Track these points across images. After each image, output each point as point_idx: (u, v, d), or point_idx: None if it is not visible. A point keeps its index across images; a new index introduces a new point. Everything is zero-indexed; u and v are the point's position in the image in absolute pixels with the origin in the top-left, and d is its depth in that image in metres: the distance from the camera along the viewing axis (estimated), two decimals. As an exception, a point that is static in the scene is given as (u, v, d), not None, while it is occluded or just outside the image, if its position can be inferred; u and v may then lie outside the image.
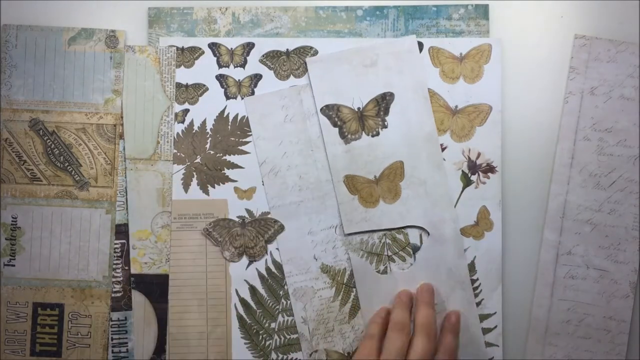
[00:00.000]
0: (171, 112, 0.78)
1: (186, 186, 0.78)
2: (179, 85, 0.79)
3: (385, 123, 0.77)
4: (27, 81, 0.78)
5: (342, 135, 0.77)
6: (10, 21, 0.79)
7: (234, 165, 0.78)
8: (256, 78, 0.79)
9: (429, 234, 0.75)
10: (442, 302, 0.75)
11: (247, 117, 0.78)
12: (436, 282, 0.75)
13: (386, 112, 0.78)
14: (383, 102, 0.78)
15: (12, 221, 0.77)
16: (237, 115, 0.79)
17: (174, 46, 0.79)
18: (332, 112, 0.78)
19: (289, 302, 0.77)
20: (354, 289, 0.77)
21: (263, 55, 0.79)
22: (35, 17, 0.79)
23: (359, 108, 0.78)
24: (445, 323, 0.74)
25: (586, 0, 0.79)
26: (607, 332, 0.76)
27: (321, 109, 0.78)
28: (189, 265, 0.78)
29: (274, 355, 0.77)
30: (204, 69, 0.79)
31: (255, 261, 0.78)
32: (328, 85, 0.77)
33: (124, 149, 0.78)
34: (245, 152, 0.78)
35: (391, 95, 0.77)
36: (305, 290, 0.77)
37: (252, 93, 0.79)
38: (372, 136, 0.77)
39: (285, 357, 0.77)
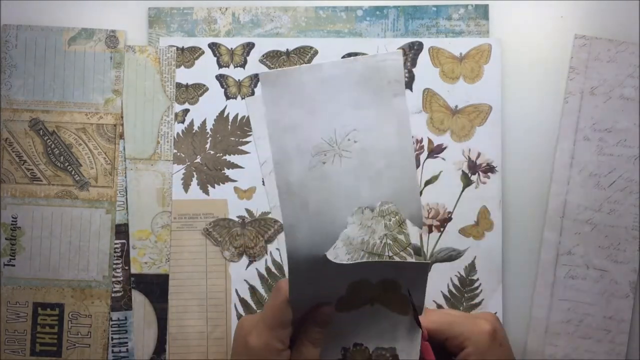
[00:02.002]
0: (171, 112, 0.78)
1: (186, 186, 0.78)
2: (179, 85, 0.79)
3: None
4: (27, 81, 0.78)
5: None
6: (10, 21, 0.79)
7: (234, 165, 0.78)
8: (256, 78, 0.79)
9: None
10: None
11: (248, 117, 0.78)
12: None
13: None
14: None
15: (12, 221, 0.77)
16: (237, 115, 0.79)
17: (174, 46, 0.79)
18: None
19: (289, 302, 0.77)
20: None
21: (263, 55, 0.79)
22: (35, 17, 0.79)
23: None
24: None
25: (586, 0, 0.79)
26: (607, 332, 0.76)
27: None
28: (189, 265, 0.77)
29: (274, 355, 0.77)
30: (204, 69, 0.79)
31: (255, 261, 0.78)
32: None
33: (124, 149, 0.78)
34: (245, 152, 0.78)
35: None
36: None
37: (252, 93, 0.79)
38: None
39: (285, 357, 0.77)
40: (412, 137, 0.62)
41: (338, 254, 0.66)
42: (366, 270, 0.65)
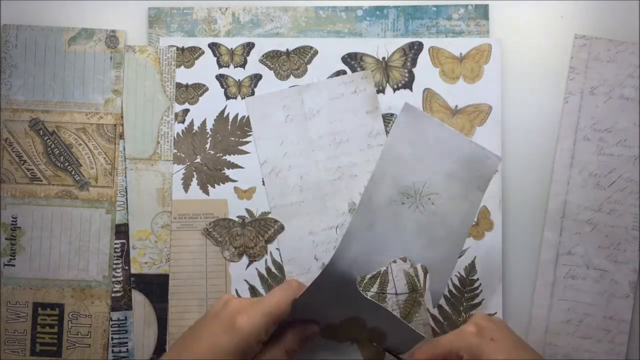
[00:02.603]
0: (171, 112, 0.78)
1: (186, 186, 0.78)
2: (179, 85, 0.79)
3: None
4: (27, 81, 0.78)
5: None
6: (10, 21, 0.79)
7: (234, 165, 0.78)
8: (256, 78, 0.79)
9: None
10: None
11: (248, 117, 0.78)
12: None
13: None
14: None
15: (12, 221, 0.77)
16: (237, 115, 0.79)
17: (174, 46, 0.79)
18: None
19: (289, 302, 0.77)
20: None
21: (263, 55, 0.79)
22: (35, 17, 0.79)
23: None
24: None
25: (586, 0, 0.79)
26: (607, 332, 0.76)
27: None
28: (189, 265, 0.77)
29: (274, 355, 0.77)
30: (204, 69, 0.79)
31: (255, 261, 0.78)
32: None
33: (124, 149, 0.78)
34: (245, 152, 0.78)
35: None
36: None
37: (252, 93, 0.79)
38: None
39: (285, 357, 0.77)
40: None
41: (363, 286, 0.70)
42: (371, 312, 0.67)
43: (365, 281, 0.76)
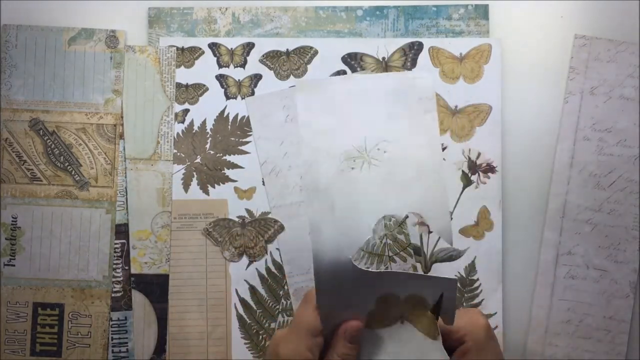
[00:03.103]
0: (171, 112, 0.78)
1: (186, 186, 0.78)
2: (179, 85, 0.79)
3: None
4: (27, 81, 0.78)
5: None
6: (10, 21, 0.79)
7: (234, 165, 0.78)
8: (256, 78, 0.79)
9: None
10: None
11: (248, 117, 0.78)
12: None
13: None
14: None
15: (12, 221, 0.77)
16: (237, 115, 0.79)
17: (174, 46, 0.79)
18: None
19: (289, 302, 0.77)
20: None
21: (263, 55, 0.79)
22: (35, 17, 0.79)
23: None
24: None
25: (586, 0, 0.79)
26: (607, 332, 0.76)
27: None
28: (189, 265, 0.78)
29: (274, 355, 0.77)
30: (204, 69, 0.79)
31: (255, 261, 0.78)
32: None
33: (124, 149, 0.78)
34: (245, 152, 0.78)
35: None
36: (306, 290, 0.77)
37: (252, 93, 0.79)
38: None
39: (285, 357, 0.77)
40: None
41: (362, 261, 0.67)
42: (392, 282, 0.65)
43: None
